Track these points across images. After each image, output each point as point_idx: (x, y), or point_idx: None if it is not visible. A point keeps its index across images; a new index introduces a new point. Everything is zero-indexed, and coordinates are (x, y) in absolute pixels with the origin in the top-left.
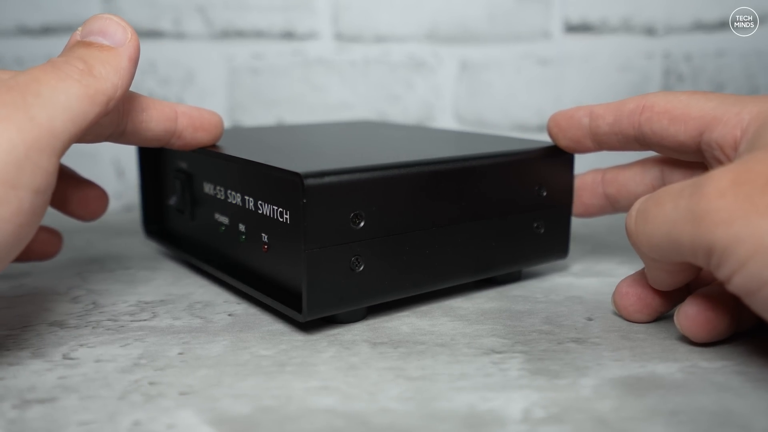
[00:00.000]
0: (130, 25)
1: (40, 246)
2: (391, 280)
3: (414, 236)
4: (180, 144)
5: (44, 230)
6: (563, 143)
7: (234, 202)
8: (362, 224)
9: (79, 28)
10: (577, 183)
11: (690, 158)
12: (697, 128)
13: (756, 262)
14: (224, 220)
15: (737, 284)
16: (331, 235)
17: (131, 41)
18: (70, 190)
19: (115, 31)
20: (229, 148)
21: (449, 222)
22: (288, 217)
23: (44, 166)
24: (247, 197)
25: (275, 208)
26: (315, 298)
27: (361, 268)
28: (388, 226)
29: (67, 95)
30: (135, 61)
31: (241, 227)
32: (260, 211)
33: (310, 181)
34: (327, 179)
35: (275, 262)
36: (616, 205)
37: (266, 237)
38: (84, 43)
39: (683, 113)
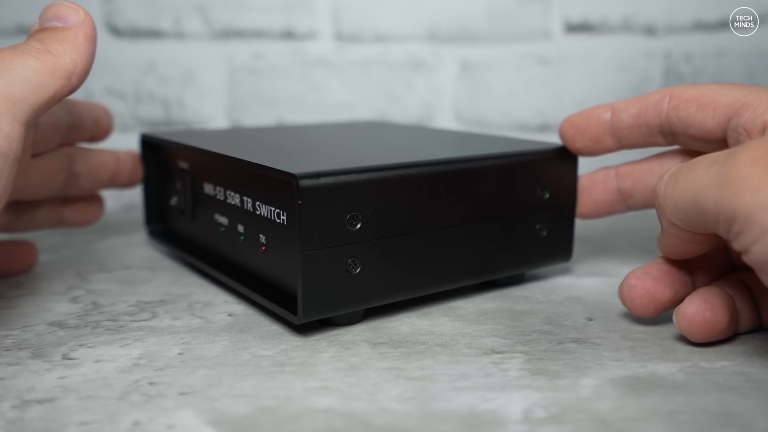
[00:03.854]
0: (83, 8)
1: (6, 261)
2: (388, 282)
3: (412, 238)
4: (99, 132)
5: (11, 244)
6: (580, 144)
7: (233, 202)
8: (359, 226)
9: (37, 21)
10: (587, 180)
11: (712, 148)
12: (725, 114)
13: None
14: (224, 220)
15: (756, 253)
16: (326, 236)
17: (85, 20)
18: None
19: (68, 14)
20: (229, 149)
21: (449, 224)
22: (285, 218)
23: (5, 129)
24: (245, 198)
25: (272, 209)
26: (310, 300)
27: (358, 270)
28: (386, 227)
29: (24, 67)
30: (91, 39)
31: (240, 228)
32: (258, 212)
33: (305, 182)
34: (323, 180)
35: (272, 263)
36: (629, 201)
37: (264, 238)
38: (40, 30)
39: (713, 100)
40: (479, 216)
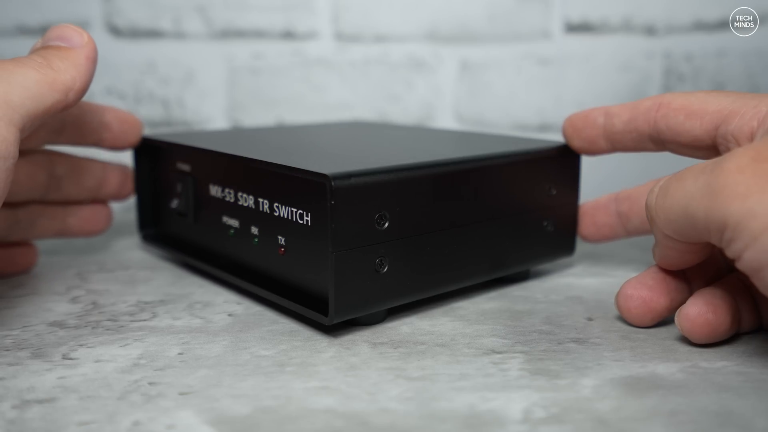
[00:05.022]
0: (87, 32)
1: (6, 262)
2: (413, 280)
3: (434, 236)
4: (110, 138)
5: (11, 245)
6: (577, 144)
7: (246, 204)
8: (386, 225)
9: (40, 40)
10: (591, 204)
11: (703, 156)
12: (713, 122)
13: None
14: (234, 223)
15: (748, 259)
16: (357, 236)
17: (88, 44)
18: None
19: (72, 35)
20: (240, 150)
21: (467, 222)
22: (309, 219)
23: (2, 132)
24: (261, 199)
25: (294, 210)
26: (341, 300)
27: (385, 269)
28: (411, 226)
29: (24, 77)
30: (92, 61)
31: (254, 230)
32: (277, 214)
33: (337, 183)
34: (353, 180)
35: (294, 264)
36: (627, 224)
37: (283, 240)
38: (44, 47)
39: (700, 108)
40: (494, 213)
